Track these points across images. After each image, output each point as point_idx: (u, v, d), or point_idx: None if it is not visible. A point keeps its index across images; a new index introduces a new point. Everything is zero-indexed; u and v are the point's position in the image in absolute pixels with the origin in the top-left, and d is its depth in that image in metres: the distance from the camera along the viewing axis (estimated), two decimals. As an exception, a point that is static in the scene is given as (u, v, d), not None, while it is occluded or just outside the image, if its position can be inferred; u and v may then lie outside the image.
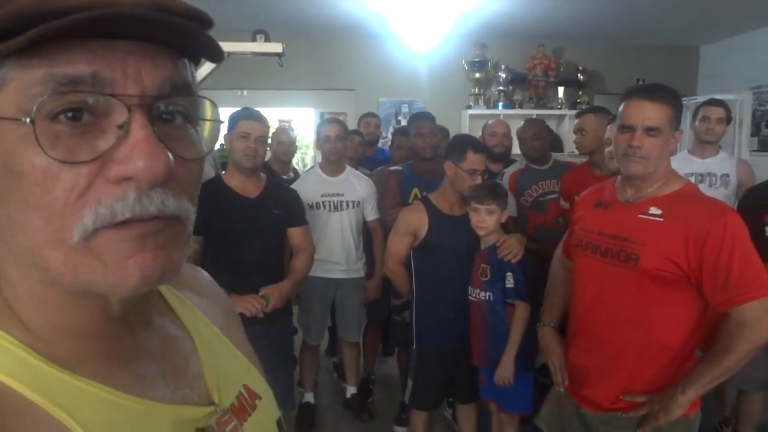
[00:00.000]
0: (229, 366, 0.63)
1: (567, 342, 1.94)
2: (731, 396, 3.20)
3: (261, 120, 2.55)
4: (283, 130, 4.08)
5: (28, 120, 0.40)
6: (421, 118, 3.49)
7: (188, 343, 0.59)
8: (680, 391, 1.61)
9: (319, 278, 3.22)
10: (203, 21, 0.47)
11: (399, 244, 2.64)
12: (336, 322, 3.57)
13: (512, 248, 2.44)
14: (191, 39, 0.46)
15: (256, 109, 2.62)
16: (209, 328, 0.65)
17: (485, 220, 2.45)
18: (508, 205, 3.36)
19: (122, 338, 0.52)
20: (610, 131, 2.50)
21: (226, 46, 2.95)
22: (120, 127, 0.42)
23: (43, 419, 0.43)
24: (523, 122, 3.59)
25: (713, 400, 3.16)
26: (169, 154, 0.43)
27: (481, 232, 2.48)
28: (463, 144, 2.63)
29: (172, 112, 0.46)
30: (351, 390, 3.56)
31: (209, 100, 0.50)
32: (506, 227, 2.60)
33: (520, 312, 2.42)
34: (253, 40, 3.31)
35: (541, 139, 3.38)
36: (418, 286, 2.65)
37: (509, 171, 3.49)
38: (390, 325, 3.64)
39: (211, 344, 0.62)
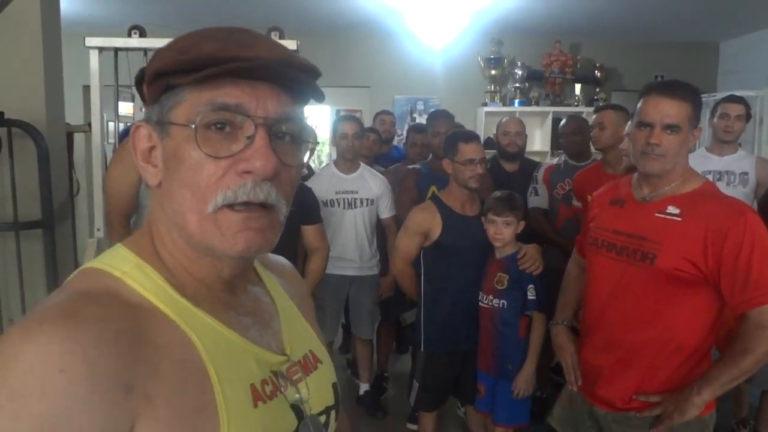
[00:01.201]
0: (300, 332, 0.82)
1: (580, 340, 1.93)
2: (749, 396, 3.16)
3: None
4: None
5: (192, 126, 0.62)
6: (438, 116, 3.48)
7: (272, 308, 0.79)
8: (696, 392, 1.60)
9: (332, 275, 3.23)
10: (313, 72, 0.68)
11: (409, 244, 2.60)
12: (350, 319, 3.58)
13: (534, 260, 2.43)
14: (303, 85, 0.67)
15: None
16: (287, 301, 0.84)
17: (503, 231, 2.43)
18: (540, 197, 3.36)
19: (228, 293, 0.72)
20: (630, 127, 2.47)
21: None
22: (248, 137, 0.62)
23: (176, 331, 0.63)
24: (565, 118, 3.60)
25: (730, 400, 3.12)
26: (277, 159, 0.63)
27: (497, 244, 2.47)
28: (454, 138, 2.62)
29: (285, 133, 0.66)
30: (364, 387, 3.57)
31: (312, 128, 0.71)
32: (537, 225, 2.57)
33: (539, 323, 2.42)
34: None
35: (581, 134, 3.37)
36: (427, 287, 2.62)
37: (545, 164, 3.51)
38: (404, 326, 3.64)
39: (288, 313, 0.81)
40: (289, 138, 0.67)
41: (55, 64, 3.16)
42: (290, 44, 3.12)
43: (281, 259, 0.95)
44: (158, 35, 3.73)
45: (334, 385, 0.82)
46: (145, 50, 3.50)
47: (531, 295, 2.40)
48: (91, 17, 5.19)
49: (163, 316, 0.63)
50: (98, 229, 3.42)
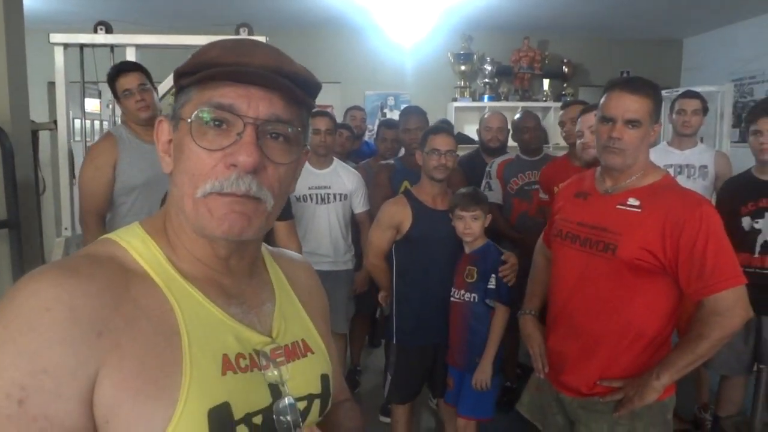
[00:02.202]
0: (295, 322, 0.87)
1: (547, 329, 1.98)
2: (710, 382, 3.27)
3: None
4: None
5: (189, 121, 0.72)
6: (411, 113, 3.51)
7: (270, 295, 0.86)
8: (655, 377, 1.66)
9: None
10: (303, 82, 0.77)
11: (381, 238, 2.63)
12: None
13: (513, 271, 2.46)
14: (293, 92, 0.74)
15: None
16: (289, 292, 0.90)
17: (471, 226, 2.47)
18: (494, 192, 3.42)
19: (226, 274, 0.79)
20: (582, 123, 2.52)
21: (210, 40, 2.95)
22: (238, 134, 0.71)
23: (160, 296, 0.71)
24: (519, 113, 3.65)
25: (692, 386, 3.23)
26: (260, 155, 0.71)
27: (467, 238, 2.50)
28: (426, 132, 2.69)
29: (279, 134, 0.74)
30: (338, 380, 3.58)
31: (299, 130, 0.78)
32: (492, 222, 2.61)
33: (500, 314, 2.44)
34: (237, 33, 3.32)
35: (532, 131, 3.44)
36: (399, 280, 2.65)
37: (499, 159, 3.55)
38: (378, 319, 3.67)
39: (286, 302, 0.87)
40: (284, 139, 0.75)
41: (18, 60, 3.11)
42: (259, 39, 3.12)
43: (294, 254, 1.03)
44: (125, 31, 3.69)
45: (324, 376, 0.86)
46: (112, 46, 3.46)
47: (491, 284, 2.44)
48: (55, 13, 5.09)
49: (152, 282, 0.71)
50: (66, 228, 3.38)
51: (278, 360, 0.78)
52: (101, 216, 2.68)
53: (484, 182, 3.50)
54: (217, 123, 0.71)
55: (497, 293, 2.43)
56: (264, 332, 0.79)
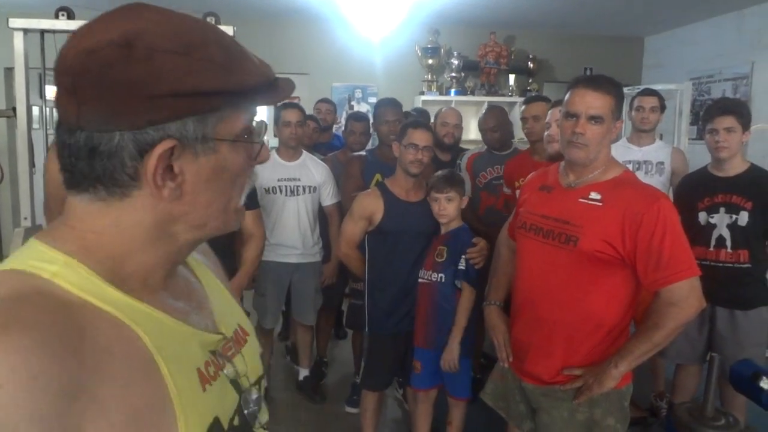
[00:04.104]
0: (228, 308, 0.83)
1: (511, 320, 2.03)
2: (665, 372, 3.38)
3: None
4: None
5: (249, 139, 0.68)
6: (387, 105, 3.51)
7: (201, 287, 0.79)
8: (613, 365, 1.72)
9: (275, 263, 3.25)
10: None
11: (353, 229, 2.66)
12: (291, 306, 3.60)
13: (482, 254, 2.51)
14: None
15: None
16: (212, 278, 0.84)
17: (446, 207, 2.51)
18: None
19: (165, 281, 0.70)
20: (551, 116, 2.57)
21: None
22: (261, 141, 0.71)
23: (120, 327, 0.60)
24: (484, 111, 3.65)
25: (649, 376, 3.33)
26: None
27: (443, 220, 2.54)
28: (405, 124, 2.73)
29: None
30: (304, 372, 3.60)
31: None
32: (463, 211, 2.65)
33: (467, 295, 2.48)
34: (204, 22, 3.26)
35: (501, 130, 3.47)
36: (371, 270, 2.69)
37: (468, 153, 3.59)
38: (347, 309, 3.69)
39: (214, 290, 0.82)
40: None
41: (-25, 45, 3.02)
42: (226, 30, 3.08)
43: None
44: (88, 18, 3.60)
45: (261, 356, 0.86)
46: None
47: (461, 265, 2.48)
48: (13, -4, 4.94)
49: (103, 313, 0.59)
50: (25, 218, 3.30)
51: (230, 353, 0.75)
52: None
53: None
54: (246, 137, 0.68)
55: (466, 274, 2.48)
56: (213, 330, 0.74)
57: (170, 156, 0.61)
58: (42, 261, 0.60)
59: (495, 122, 3.49)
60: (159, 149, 0.60)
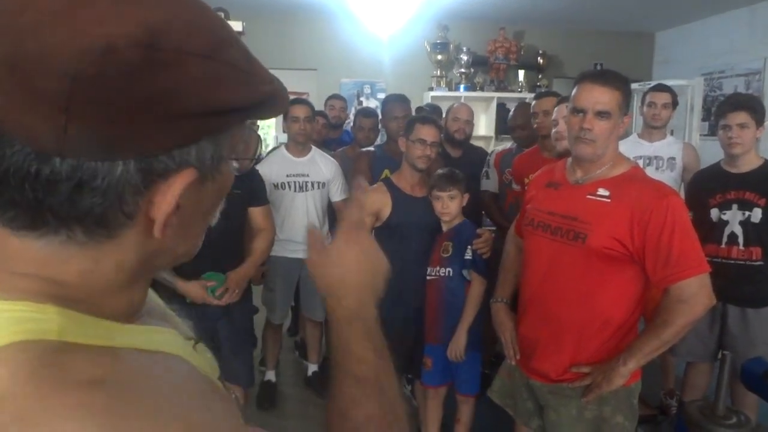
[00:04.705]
0: (172, 315, 0.71)
1: (518, 317, 2.02)
2: (676, 369, 3.36)
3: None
4: None
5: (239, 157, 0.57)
6: (394, 101, 3.53)
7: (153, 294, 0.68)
8: (621, 363, 1.71)
9: (283, 258, 3.25)
10: None
11: None
12: (300, 302, 3.61)
13: (487, 244, 2.51)
14: None
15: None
16: None
17: (449, 206, 2.51)
18: (490, 180, 3.46)
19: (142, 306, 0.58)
20: (558, 113, 2.55)
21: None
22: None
23: (169, 360, 0.52)
24: (513, 109, 3.67)
25: (659, 373, 3.31)
26: None
27: (445, 218, 2.54)
28: (412, 119, 2.73)
29: None
30: (312, 368, 3.62)
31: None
32: (485, 207, 2.64)
33: (476, 285, 2.48)
34: (213, 18, 3.26)
35: (530, 128, 3.46)
36: None
37: (498, 149, 3.62)
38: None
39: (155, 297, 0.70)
40: None
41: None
42: (236, 25, 3.08)
43: None
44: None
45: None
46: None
47: (467, 255, 2.48)
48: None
49: (151, 354, 0.50)
50: None
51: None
52: None
53: (483, 170, 3.55)
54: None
55: (473, 264, 2.47)
56: (191, 335, 0.64)
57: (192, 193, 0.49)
58: (31, 321, 0.44)
59: (523, 120, 3.47)
60: (179, 183, 0.47)
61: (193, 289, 2.41)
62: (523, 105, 3.71)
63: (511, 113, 3.66)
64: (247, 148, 0.58)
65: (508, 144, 3.73)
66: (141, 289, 0.56)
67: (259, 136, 0.65)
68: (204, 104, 0.45)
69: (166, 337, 0.55)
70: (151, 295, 0.64)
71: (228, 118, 0.49)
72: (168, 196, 0.46)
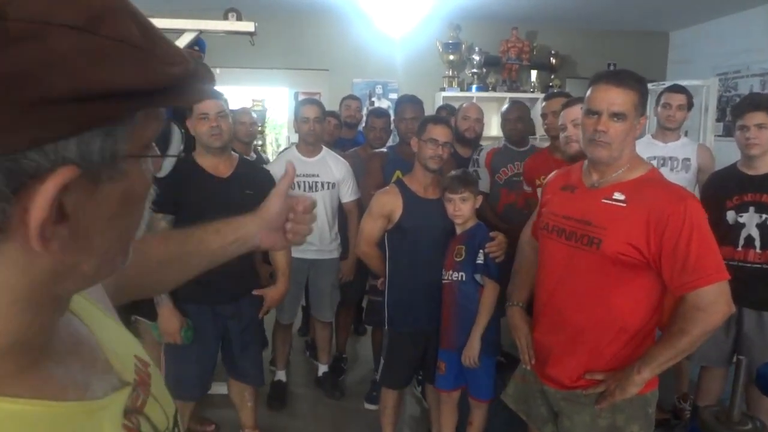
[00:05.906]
0: (120, 340, 0.61)
1: (533, 321, 2.00)
2: (689, 373, 3.32)
3: (216, 96, 2.51)
4: (244, 111, 3.91)
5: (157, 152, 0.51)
6: (406, 102, 3.51)
7: (83, 326, 0.56)
8: (636, 371, 1.67)
9: (293, 258, 3.24)
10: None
11: (372, 227, 2.65)
12: (309, 302, 3.60)
13: (501, 248, 2.48)
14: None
15: (228, 87, 2.60)
16: (93, 308, 0.61)
17: (461, 208, 2.49)
18: (482, 181, 3.44)
19: (44, 346, 0.48)
20: (565, 117, 2.50)
21: (198, 24, 2.92)
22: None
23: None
24: (508, 103, 3.65)
25: (672, 377, 3.27)
26: None
27: (458, 221, 2.52)
28: (425, 119, 2.71)
29: None
30: (323, 368, 3.61)
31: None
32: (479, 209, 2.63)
33: (489, 290, 2.46)
34: (225, 18, 3.27)
35: (523, 122, 3.45)
36: (392, 268, 2.67)
37: (487, 148, 3.56)
38: (366, 305, 3.69)
39: (101, 325, 0.59)
40: None
41: None
42: (248, 26, 3.08)
43: None
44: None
45: (165, 383, 0.67)
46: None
47: (479, 259, 2.46)
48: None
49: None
50: None
51: (139, 403, 0.56)
52: None
53: (470, 170, 3.50)
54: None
55: (485, 268, 2.45)
56: (119, 383, 0.54)
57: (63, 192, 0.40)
58: None
59: (518, 114, 3.47)
60: (51, 185, 0.38)
61: (170, 322, 2.34)
62: (518, 101, 3.73)
63: (505, 107, 3.64)
64: (160, 139, 0.48)
65: (494, 144, 3.69)
66: (40, 328, 0.46)
67: (180, 131, 0.55)
68: (78, 87, 0.37)
69: (50, 424, 0.44)
70: (84, 333, 0.55)
71: (119, 105, 0.40)
72: (39, 199, 0.38)
